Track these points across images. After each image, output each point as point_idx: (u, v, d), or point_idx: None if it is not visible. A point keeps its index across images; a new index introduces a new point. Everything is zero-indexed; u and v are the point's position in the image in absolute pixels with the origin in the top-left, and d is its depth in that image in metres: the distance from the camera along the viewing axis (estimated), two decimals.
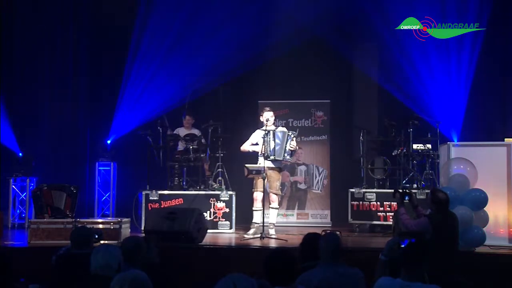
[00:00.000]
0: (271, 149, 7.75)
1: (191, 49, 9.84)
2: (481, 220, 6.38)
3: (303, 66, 10.23)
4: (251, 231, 7.81)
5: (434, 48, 9.48)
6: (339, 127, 10.20)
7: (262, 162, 7.86)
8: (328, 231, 4.40)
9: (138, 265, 4.00)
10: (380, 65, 9.88)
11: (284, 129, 8.09)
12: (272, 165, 7.85)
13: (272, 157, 7.77)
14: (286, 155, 7.87)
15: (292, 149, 7.92)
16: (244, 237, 7.67)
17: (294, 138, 7.94)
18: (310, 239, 4.53)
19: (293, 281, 3.59)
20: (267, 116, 7.95)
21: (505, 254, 6.39)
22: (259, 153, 7.95)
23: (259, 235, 7.50)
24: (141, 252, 4.21)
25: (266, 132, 7.78)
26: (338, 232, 4.45)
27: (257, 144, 8.08)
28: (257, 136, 8.09)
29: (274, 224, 8.01)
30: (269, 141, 7.75)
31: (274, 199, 7.96)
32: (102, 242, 5.53)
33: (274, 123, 8.12)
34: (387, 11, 9.51)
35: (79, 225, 6.87)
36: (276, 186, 7.95)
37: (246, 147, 8.17)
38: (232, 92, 9.87)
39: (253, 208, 7.97)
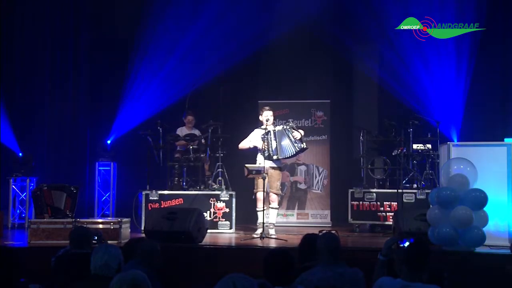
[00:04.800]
0: (273, 148, 7.75)
1: (191, 48, 9.85)
2: (481, 220, 6.37)
3: (303, 66, 10.23)
4: (259, 231, 7.80)
5: (434, 48, 9.48)
6: (339, 127, 10.20)
7: (261, 161, 7.87)
8: (325, 231, 4.39)
9: (152, 268, 4.07)
10: (380, 65, 9.88)
11: (279, 127, 8.09)
12: (274, 165, 7.85)
13: (275, 157, 7.78)
14: (296, 145, 7.80)
15: (298, 137, 7.84)
16: (254, 236, 7.66)
17: (292, 128, 7.89)
18: (309, 239, 4.53)
19: (292, 281, 3.60)
20: (267, 115, 7.94)
21: (505, 254, 6.38)
22: (260, 150, 7.93)
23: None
24: (158, 255, 4.33)
25: (267, 131, 7.79)
26: (334, 231, 4.46)
27: (255, 141, 8.08)
28: (256, 135, 8.08)
29: (274, 224, 8.00)
30: (271, 140, 7.75)
31: (274, 199, 7.95)
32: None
33: (273, 123, 8.12)
34: (387, 11, 9.51)
35: (78, 225, 6.88)
36: (276, 186, 7.94)
37: (246, 143, 8.14)
38: (232, 92, 9.88)
39: (257, 209, 7.97)
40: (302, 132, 7.99)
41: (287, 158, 8.20)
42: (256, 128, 8.14)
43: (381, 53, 9.82)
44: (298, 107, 10.16)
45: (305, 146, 7.92)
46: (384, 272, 3.91)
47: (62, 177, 9.29)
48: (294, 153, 7.93)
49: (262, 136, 7.85)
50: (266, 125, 7.86)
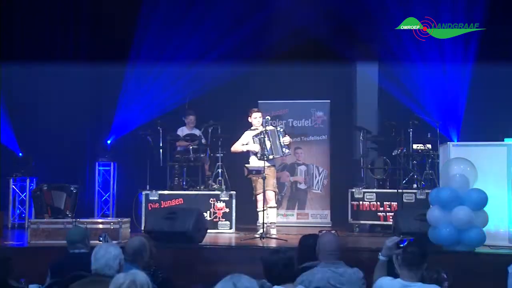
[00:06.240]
0: (268, 148, 7.81)
1: (191, 48, 9.84)
2: (481, 220, 6.38)
3: (303, 66, 10.22)
4: (259, 231, 7.80)
5: (434, 48, 9.48)
6: (339, 127, 10.19)
7: (255, 163, 7.92)
8: (325, 231, 4.39)
9: (141, 265, 4.02)
10: (380, 65, 9.87)
11: (271, 127, 8.19)
12: (267, 164, 7.87)
13: (271, 156, 7.82)
14: (284, 149, 7.98)
15: (287, 142, 8.01)
16: (254, 236, 7.64)
17: (284, 132, 8.03)
18: (307, 241, 4.54)
19: (292, 281, 3.60)
20: (257, 116, 8.11)
21: (505, 254, 6.38)
22: (254, 152, 7.97)
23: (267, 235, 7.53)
24: (145, 252, 4.24)
25: (261, 132, 7.86)
26: (334, 231, 4.46)
27: (247, 144, 8.12)
28: (247, 137, 8.14)
29: (275, 223, 8.01)
30: (265, 141, 7.80)
31: (271, 197, 7.94)
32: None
33: (262, 123, 8.13)
34: (387, 11, 9.51)
35: (75, 226, 6.89)
36: (273, 183, 7.96)
37: (238, 147, 8.20)
38: (232, 92, 9.88)
39: (258, 210, 7.98)
40: (290, 139, 8.16)
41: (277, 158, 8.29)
42: (246, 130, 8.21)
43: (381, 53, 9.81)
44: (298, 107, 10.16)
45: (289, 153, 8.33)
46: (384, 272, 3.91)
47: (62, 177, 9.27)
48: (280, 156, 8.16)
49: (255, 137, 7.89)
50: (263, 125, 7.97)
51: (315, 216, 9.85)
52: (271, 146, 7.86)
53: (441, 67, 9.46)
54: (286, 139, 8.00)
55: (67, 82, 10.28)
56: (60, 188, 8.06)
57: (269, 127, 8.07)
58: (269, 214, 7.93)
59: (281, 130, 8.02)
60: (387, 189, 8.89)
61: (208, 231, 7.67)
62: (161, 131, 9.03)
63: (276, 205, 8.19)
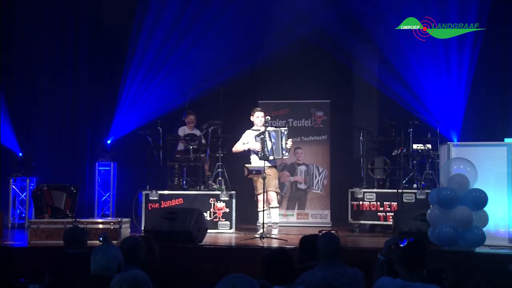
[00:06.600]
0: (269, 149, 7.81)
1: (191, 48, 9.85)
2: (481, 220, 6.38)
3: (303, 66, 10.23)
4: (260, 231, 7.80)
5: (434, 48, 9.47)
6: (339, 127, 10.20)
7: (256, 162, 7.93)
8: (325, 231, 4.39)
9: (138, 265, 4.01)
10: (380, 65, 9.87)
11: (274, 128, 8.21)
12: (269, 164, 7.87)
13: (271, 157, 7.83)
14: (284, 152, 7.98)
15: (289, 146, 8.03)
16: (254, 236, 7.64)
17: (287, 135, 8.03)
18: (307, 241, 4.54)
19: (292, 281, 3.60)
20: (259, 115, 8.11)
21: (505, 254, 6.38)
22: (255, 151, 7.97)
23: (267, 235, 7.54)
24: (140, 252, 4.22)
25: (262, 132, 7.87)
26: (334, 231, 4.46)
27: (248, 143, 8.13)
28: (248, 136, 8.14)
29: (277, 223, 8.01)
30: (266, 141, 7.81)
31: (273, 197, 7.95)
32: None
33: (263, 123, 8.14)
34: (387, 11, 9.50)
35: (72, 226, 6.88)
36: (274, 184, 7.97)
37: (239, 146, 8.20)
38: (232, 92, 9.89)
39: (258, 210, 7.99)
40: (292, 143, 8.18)
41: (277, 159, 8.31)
42: (247, 129, 8.21)
43: (381, 53, 9.81)
44: (298, 107, 10.16)
45: (288, 156, 8.35)
46: (384, 272, 3.91)
47: (62, 177, 9.28)
48: (280, 158, 8.15)
49: (257, 137, 7.89)
50: (264, 125, 7.97)
51: (315, 216, 9.86)
52: (272, 146, 7.85)
53: (441, 67, 9.46)
54: (289, 143, 8.01)
55: (67, 82, 10.31)
56: (60, 188, 8.05)
57: (271, 128, 8.08)
58: (272, 214, 7.93)
59: (285, 132, 8.02)
60: (387, 189, 8.89)
61: (208, 231, 7.67)
62: (161, 131, 9.02)
63: (278, 205, 8.19)
